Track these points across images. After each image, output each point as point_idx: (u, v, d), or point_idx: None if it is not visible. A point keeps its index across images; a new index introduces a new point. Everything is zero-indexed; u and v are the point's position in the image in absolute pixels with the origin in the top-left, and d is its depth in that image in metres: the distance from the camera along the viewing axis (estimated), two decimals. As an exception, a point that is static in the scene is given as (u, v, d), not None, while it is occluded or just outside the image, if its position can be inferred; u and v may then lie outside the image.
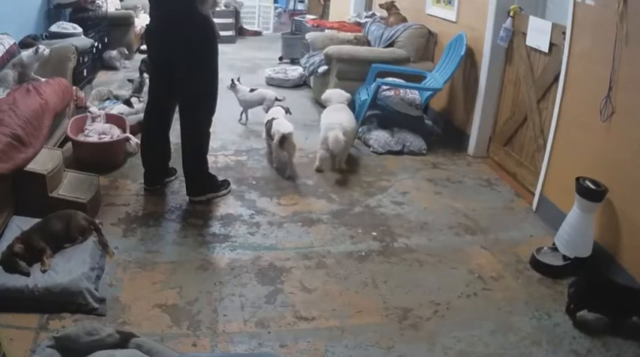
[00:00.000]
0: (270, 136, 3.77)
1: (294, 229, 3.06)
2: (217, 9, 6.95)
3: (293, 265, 2.72)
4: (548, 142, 3.26)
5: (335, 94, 4.21)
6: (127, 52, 6.51)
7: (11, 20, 4.39)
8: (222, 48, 6.29)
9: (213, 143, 3.99)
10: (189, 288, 2.49)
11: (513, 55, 3.88)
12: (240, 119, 4.71)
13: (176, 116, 3.26)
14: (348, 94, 4.23)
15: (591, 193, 2.67)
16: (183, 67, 3.00)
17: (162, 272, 2.59)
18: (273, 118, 3.80)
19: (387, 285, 2.61)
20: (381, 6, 5.73)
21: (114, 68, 6.25)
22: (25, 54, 3.80)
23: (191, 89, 3.08)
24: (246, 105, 4.66)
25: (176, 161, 3.45)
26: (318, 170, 3.82)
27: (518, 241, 3.06)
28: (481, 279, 2.70)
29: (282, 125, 3.66)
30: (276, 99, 4.57)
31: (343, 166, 3.89)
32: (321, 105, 4.43)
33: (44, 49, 3.83)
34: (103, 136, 3.74)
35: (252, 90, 4.65)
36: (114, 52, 6.28)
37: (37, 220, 2.61)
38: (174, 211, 3.19)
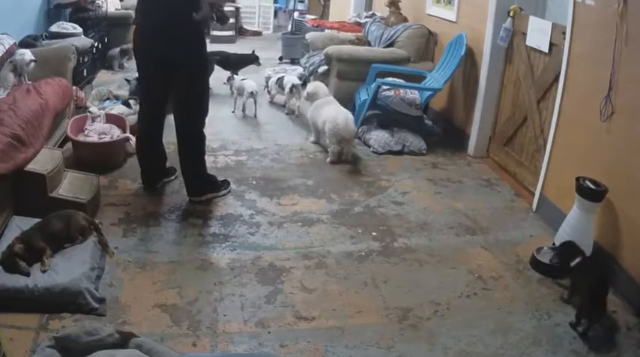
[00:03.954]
0: (281, 87, 5.07)
1: (294, 229, 3.06)
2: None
3: (293, 265, 2.72)
4: (548, 142, 3.26)
5: (321, 88, 4.34)
6: (130, 47, 6.47)
7: (11, 20, 4.38)
8: (222, 48, 6.29)
9: (213, 143, 3.99)
10: (189, 288, 2.49)
11: (513, 55, 3.88)
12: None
13: (172, 119, 3.25)
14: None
15: (591, 193, 2.67)
16: (179, 68, 3.01)
17: (163, 272, 2.59)
18: (283, 76, 5.18)
19: (387, 285, 2.61)
20: (386, 4, 5.69)
21: (112, 68, 6.24)
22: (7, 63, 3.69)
23: (189, 90, 3.09)
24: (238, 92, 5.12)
25: (176, 160, 3.44)
26: (333, 163, 3.98)
27: (518, 241, 3.06)
28: (481, 279, 2.70)
29: (292, 79, 5.02)
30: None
31: (350, 157, 4.03)
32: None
33: (10, 60, 3.67)
34: (103, 136, 3.74)
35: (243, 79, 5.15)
36: (116, 50, 6.27)
37: (37, 220, 2.61)
38: (174, 211, 3.19)
